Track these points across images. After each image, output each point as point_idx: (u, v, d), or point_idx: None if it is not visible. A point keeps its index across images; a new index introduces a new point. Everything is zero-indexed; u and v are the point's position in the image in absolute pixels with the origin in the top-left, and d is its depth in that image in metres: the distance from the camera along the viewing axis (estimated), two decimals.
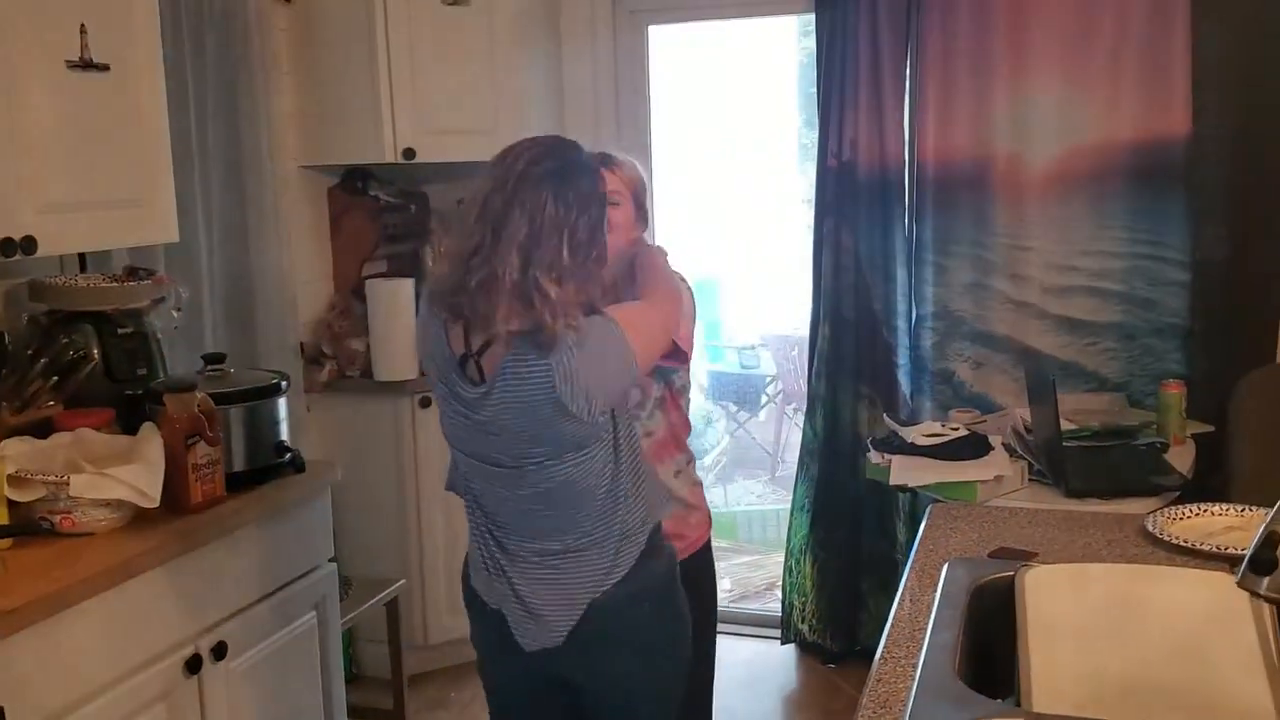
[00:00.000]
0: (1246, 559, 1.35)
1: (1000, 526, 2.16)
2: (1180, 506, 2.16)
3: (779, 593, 4.04)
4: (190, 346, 3.02)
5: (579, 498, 1.92)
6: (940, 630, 1.68)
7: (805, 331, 3.94)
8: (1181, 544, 1.99)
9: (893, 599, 3.87)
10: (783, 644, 3.97)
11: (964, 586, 1.84)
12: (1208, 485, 3.03)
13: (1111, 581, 1.85)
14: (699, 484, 2.51)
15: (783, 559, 3.98)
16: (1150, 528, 2.07)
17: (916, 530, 3.75)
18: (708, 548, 2.52)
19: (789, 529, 3.93)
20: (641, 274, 2.21)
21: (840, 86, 3.63)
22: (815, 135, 3.78)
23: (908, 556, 3.76)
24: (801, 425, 3.97)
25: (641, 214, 2.34)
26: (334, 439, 3.72)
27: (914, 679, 1.55)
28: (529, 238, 1.79)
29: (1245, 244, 3.39)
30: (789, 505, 3.99)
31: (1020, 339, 3.62)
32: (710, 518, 2.55)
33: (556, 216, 1.81)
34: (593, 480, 1.92)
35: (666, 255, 2.35)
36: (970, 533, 2.14)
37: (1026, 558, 1.98)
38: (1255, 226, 3.37)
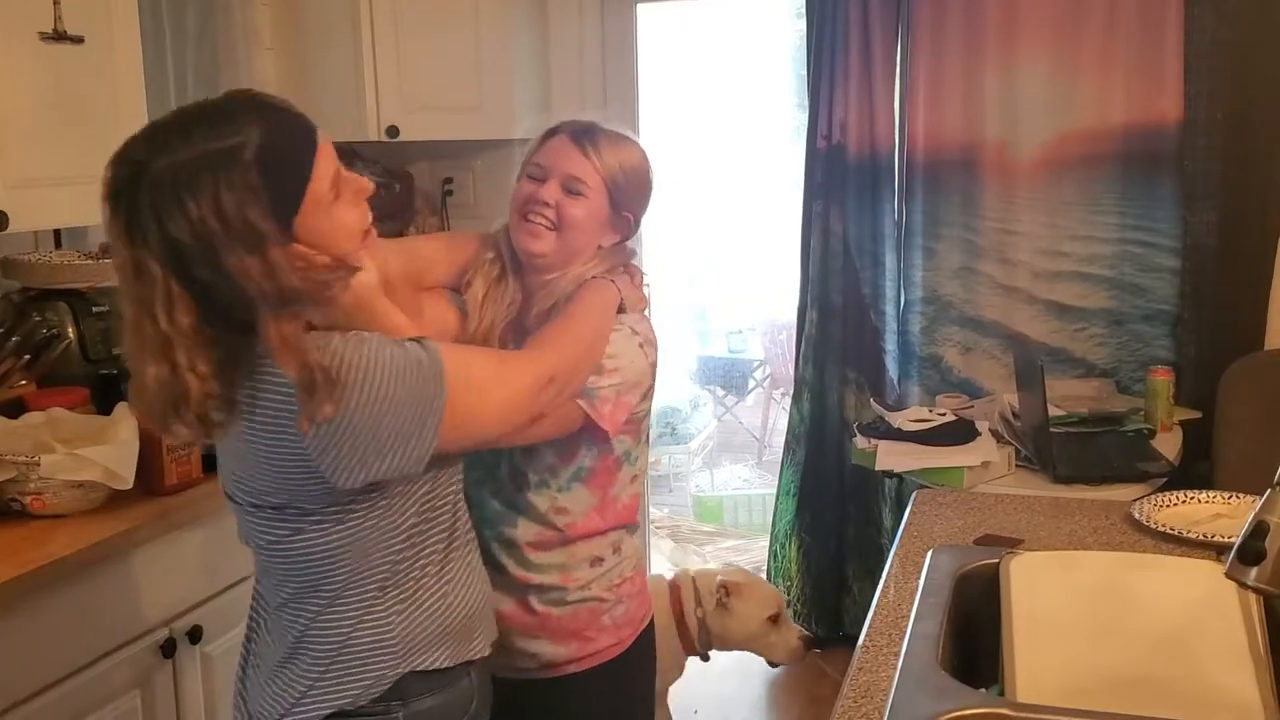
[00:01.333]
0: (1234, 548, 1.33)
1: (986, 513, 2.14)
2: (1167, 494, 2.14)
3: (764, 577, 4.02)
4: None
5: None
6: (923, 619, 1.66)
7: (793, 316, 3.91)
8: (1168, 531, 1.97)
9: (878, 585, 3.86)
10: None
11: (948, 574, 1.82)
12: (1194, 472, 3.02)
13: (1098, 569, 1.83)
14: (624, 579, 1.85)
15: (768, 544, 3.96)
16: (1137, 515, 2.05)
17: (902, 516, 3.75)
18: (630, 660, 1.87)
19: (774, 514, 3.91)
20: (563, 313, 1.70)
21: (830, 67, 3.58)
22: (805, 118, 3.74)
23: (893, 542, 3.78)
24: (788, 410, 3.94)
25: (619, 219, 1.78)
26: None
27: (896, 668, 1.53)
28: None
29: (1235, 231, 3.35)
30: (773, 490, 3.97)
31: (1008, 324, 3.60)
32: (646, 616, 1.91)
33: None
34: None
35: (642, 303, 1.81)
36: (956, 519, 2.11)
37: (1012, 544, 1.96)
38: (1246, 214, 3.34)
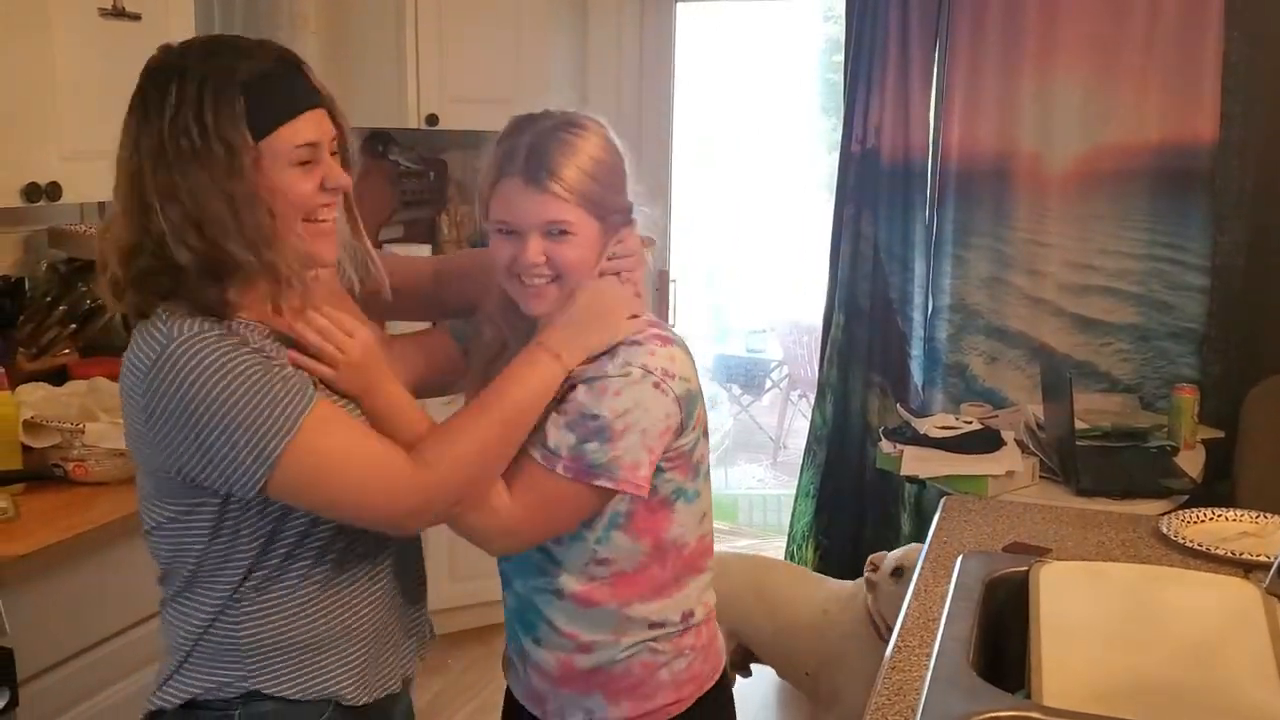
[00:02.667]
0: (1277, 563, 1.34)
1: (1014, 521, 2.16)
2: (1195, 510, 2.16)
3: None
4: None
5: None
6: (954, 622, 1.68)
7: (818, 318, 3.93)
8: (1196, 547, 1.99)
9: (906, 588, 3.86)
10: None
11: (978, 579, 1.84)
12: (1216, 490, 3.04)
13: (1126, 581, 1.85)
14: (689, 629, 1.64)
15: (784, 544, 3.98)
16: (1165, 530, 2.07)
17: (922, 521, 3.78)
18: None
19: (793, 514, 3.94)
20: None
21: (868, 72, 3.61)
22: (830, 122, 3.76)
23: (922, 547, 3.80)
24: (806, 412, 3.96)
25: (610, 221, 1.53)
26: None
27: (928, 669, 1.55)
28: None
29: (1265, 252, 3.37)
30: (791, 490, 3.99)
31: (1035, 335, 3.62)
32: (715, 673, 1.69)
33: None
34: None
35: (636, 296, 1.56)
36: (984, 526, 2.14)
37: (1040, 553, 1.98)
38: (1276, 236, 3.36)
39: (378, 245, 3.84)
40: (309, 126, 1.36)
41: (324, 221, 1.39)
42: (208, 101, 1.29)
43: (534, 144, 1.47)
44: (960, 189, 3.60)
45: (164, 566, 1.43)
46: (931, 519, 3.71)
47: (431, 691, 3.55)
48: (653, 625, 1.59)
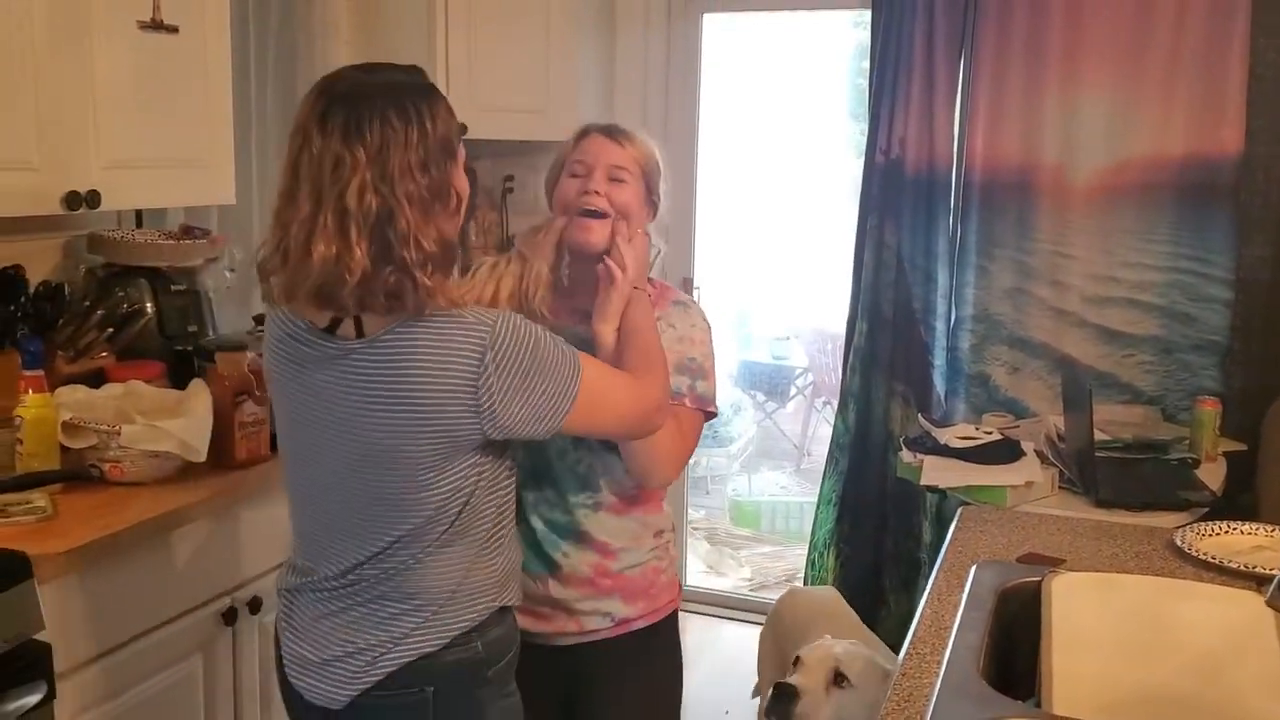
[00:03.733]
0: (1278, 578, 1.37)
1: (1030, 532, 2.19)
2: (1210, 523, 2.17)
3: (798, 584, 4.07)
4: (240, 306, 3.07)
5: None
6: (966, 631, 1.71)
7: (842, 325, 3.95)
8: (1209, 560, 2.01)
9: (915, 598, 3.88)
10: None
11: (991, 589, 1.87)
12: (1238, 503, 3.04)
13: (1138, 593, 1.87)
14: (670, 544, 2.08)
15: (805, 551, 4.01)
16: (1179, 543, 2.09)
17: (943, 530, 3.77)
18: (676, 615, 2.10)
19: (814, 521, 3.96)
20: (630, 341, 1.82)
21: (893, 83, 3.63)
22: (859, 127, 3.78)
23: (934, 557, 3.80)
24: (830, 419, 3.98)
25: (652, 201, 1.95)
26: None
27: (938, 676, 1.58)
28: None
29: None
30: (813, 498, 4.01)
31: (1057, 346, 3.63)
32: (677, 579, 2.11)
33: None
34: None
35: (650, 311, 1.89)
36: (1000, 536, 2.16)
37: (1054, 564, 2.01)
38: None
39: None
40: None
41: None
42: None
43: (615, 124, 1.95)
44: (984, 200, 3.62)
45: (421, 524, 1.60)
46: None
47: None
48: (657, 534, 1.99)
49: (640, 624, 1.99)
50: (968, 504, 2.78)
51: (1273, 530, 2.14)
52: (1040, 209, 3.58)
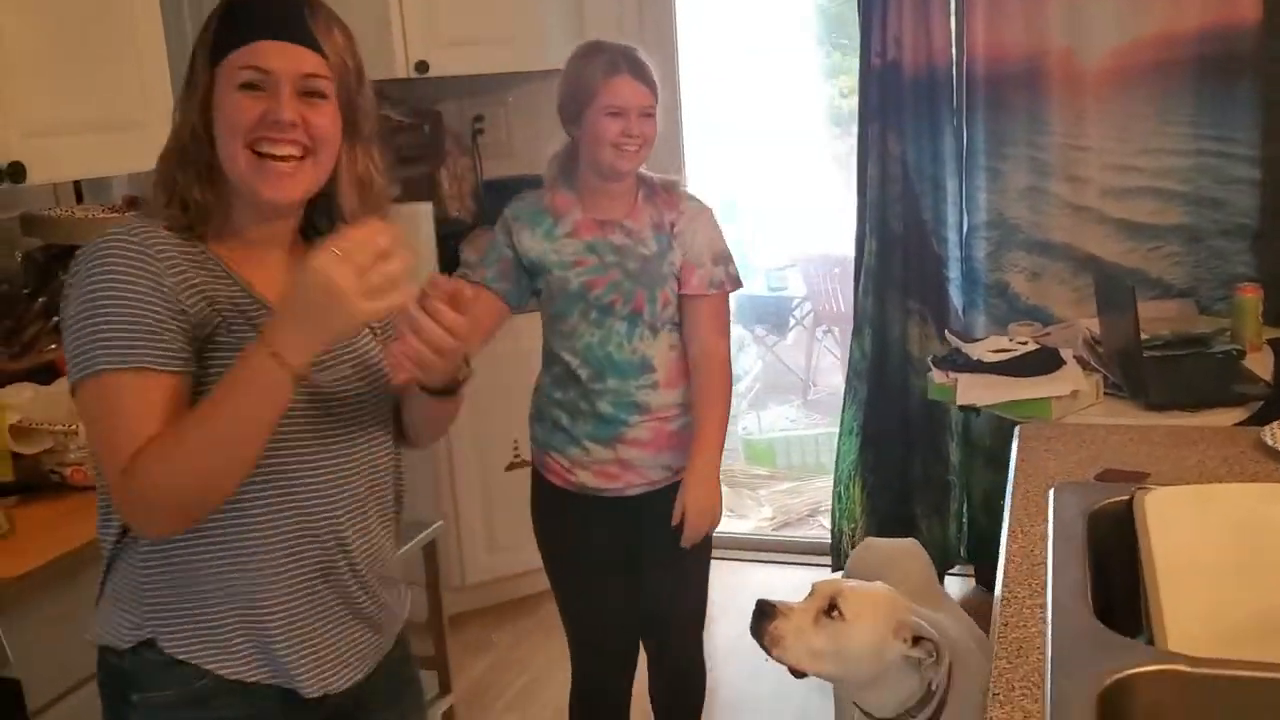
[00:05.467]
0: None
1: (1100, 446, 1.97)
2: None
3: (824, 519, 3.88)
4: None
5: None
6: (1063, 568, 1.50)
7: (841, 249, 3.72)
8: None
9: (949, 522, 3.65)
10: (833, 571, 3.81)
11: (1078, 514, 1.66)
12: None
13: (1241, 503, 1.67)
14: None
15: (827, 485, 3.80)
16: (1269, 441, 1.88)
17: (971, 451, 3.60)
18: None
19: (837, 454, 3.75)
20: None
21: None
22: (827, 55, 3.53)
23: (964, 479, 3.61)
24: (832, 348, 3.76)
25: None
26: None
27: (1045, 622, 1.37)
28: None
29: None
30: (824, 430, 3.81)
31: (1080, 246, 3.41)
32: None
33: None
34: None
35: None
36: (1069, 454, 1.95)
37: (1139, 479, 1.80)
38: None
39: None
40: (268, 54, 1.29)
41: (269, 157, 1.30)
42: (202, 29, 1.34)
43: (632, 52, 2.18)
44: (990, 96, 3.37)
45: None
46: (981, 448, 3.58)
47: (477, 671, 3.40)
48: (680, 404, 2.29)
49: (685, 467, 2.25)
50: (1008, 421, 2.57)
51: None
52: (1050, 100, 3.35)
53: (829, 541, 3.81)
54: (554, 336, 2.28)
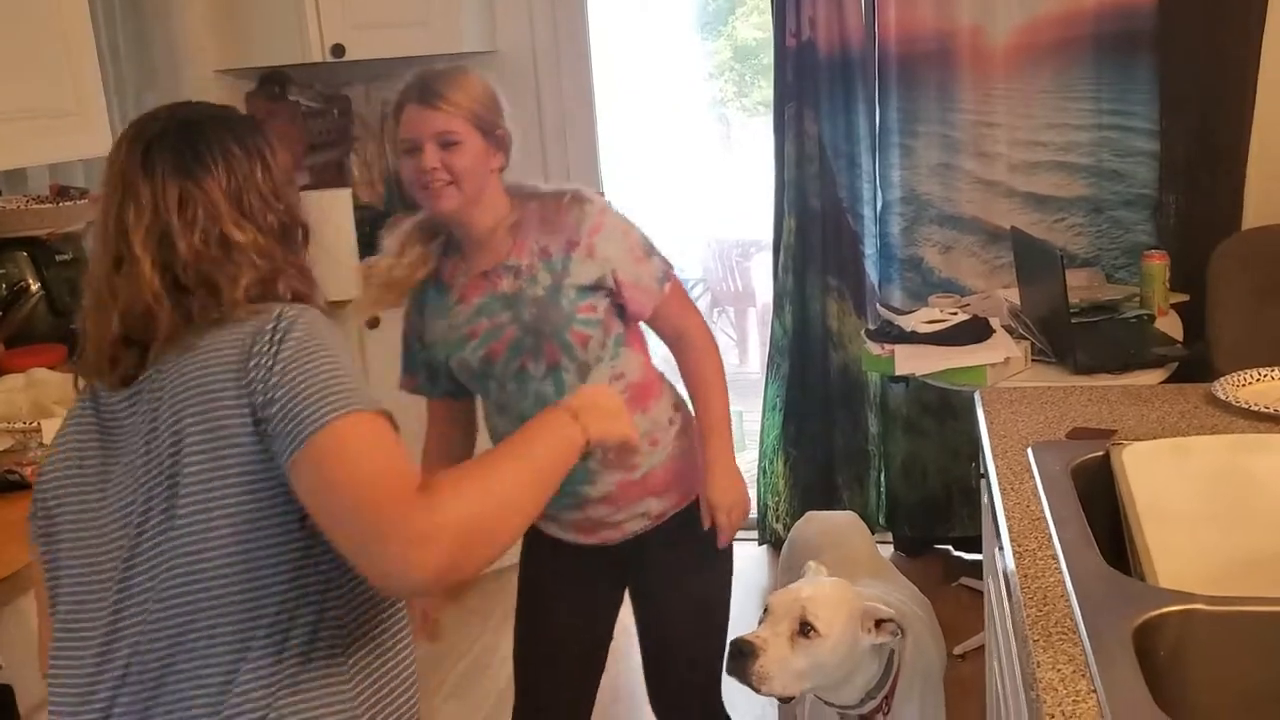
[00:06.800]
0: None
1: (1062, 407, 2.05)
2: (1239, 374, 2.07)
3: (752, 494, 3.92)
4: None
5: None
6: (1065, 521, 1.56)
7: (743, 231, 3.76)
8: (1262, 410, 1.90)
9: (869, 490, 3.71)
10: (759, 544, 3.87)
11: (1062, 469, 1.73)
12: (1192, 353, 2.98)
13: (1212, 453, 1.75)
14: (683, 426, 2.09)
15: (756, 460, 3.85)
16: (1221, 395, 1.98)
17: (888, 420, 3.68)
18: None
19: (761, 430, 3.81)
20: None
21: None
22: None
23: (883, 448, 3.70)
24: (728, 330, 3.81)
25: (496, 139, 1.88)
26: None
27: (1062, 571, 1.42)
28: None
29: (1213, 110, 3.31)
30: (735, 407, 3.84)
31: (988, 219, 3.52)
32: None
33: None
34: None
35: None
36: (1034, 415, 2.02)
37: (1107, 435, 1.88)
38: (1223, 92, 3.29)
39: None
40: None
41: None
42: None
43: (424, 79, 1.84)
44: (902, 74, 3.46)
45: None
46: (899, 417, 3.66)
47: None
48: (669, 422, 2.01)
49: (676, 510, 2.05)
50: (928, 390, 2.64)
51: None
52: (960, 79, 3.45)
53: (754, 516, 3.87)
54: (488, 412, 2.03)
